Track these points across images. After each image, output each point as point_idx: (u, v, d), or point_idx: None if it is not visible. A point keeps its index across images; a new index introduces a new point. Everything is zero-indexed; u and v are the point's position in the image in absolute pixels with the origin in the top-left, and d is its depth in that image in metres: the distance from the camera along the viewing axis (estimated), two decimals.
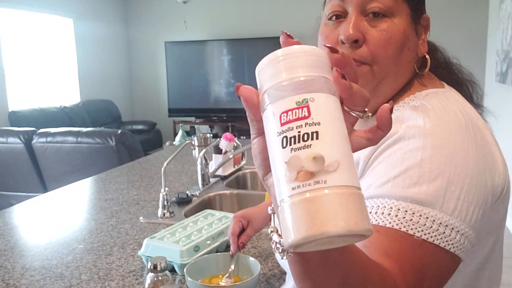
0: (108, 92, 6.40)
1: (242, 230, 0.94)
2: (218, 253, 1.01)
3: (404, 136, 0.54)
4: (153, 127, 6.30)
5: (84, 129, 3.21)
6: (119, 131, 3.15)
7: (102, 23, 6.29)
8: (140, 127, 6.19)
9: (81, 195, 1.67)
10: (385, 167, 0.54)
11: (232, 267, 0.90)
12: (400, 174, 0.52)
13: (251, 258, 0.90)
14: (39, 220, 1.39)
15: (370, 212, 0.53)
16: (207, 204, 1.59)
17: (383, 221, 0.51)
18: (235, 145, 1.90)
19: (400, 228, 0.50)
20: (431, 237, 0.49)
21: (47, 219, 1.41)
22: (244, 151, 2.01)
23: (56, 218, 1.41)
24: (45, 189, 3.34)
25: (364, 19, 0.59)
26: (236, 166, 1.96)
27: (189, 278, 0.84)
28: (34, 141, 3.26)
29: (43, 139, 3.22)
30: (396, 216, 0.50)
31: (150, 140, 6.00)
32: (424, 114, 0.56)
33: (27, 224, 1.36)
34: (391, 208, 0.51)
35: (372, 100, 0.62)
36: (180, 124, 5.26)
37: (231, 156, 1.80)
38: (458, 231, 0.50)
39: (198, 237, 1.04)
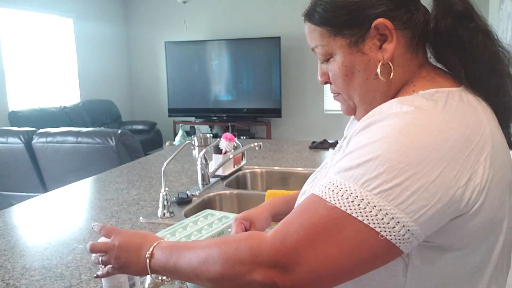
0: (108, 92, 6.40)
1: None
2: None
3: (370, 124, 0.57)
4: (153, 127, 6.30)
5: (84, 129, 3.21)
6: (119, 131, 3.15)
7: (102, 23, 6.29)
8: (140, 127, 6.19)
9: (81, 195, 1.67)
10: (344, 151, 0.58)
11: None
12: (347, 155, 0.56)
13: None
14: (39, 220, 1.39)
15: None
16: (207, 204, 1.59)
17: (318, 191, 0.56)
18: (235, 145, 1.90)
19: (318, 194, 0.55)
20: (344, 205, 0.52)
21: (47, 219, 1.41)
22: (244, 151, 2.01)
23: (56, 218, 1.41)
24: (45, 189, 3.35)
25: (325, 63, 0.71)
26: (236, 166, 1.96)
27: None
28: (34, 141, 3.26)
29: (43, 139, 3.22)
30: (326, 187, 0.55)
31: (150, 140, 6.00)
32: (397, 105, 0.57)
33: (27, 224, 1.36)
34: (329, 182, 0.56)
35: (369, 111, 0.66)
36: (180, 124, 5.27)
37: (231, 156, 1.80)
38: (378, 208, 0.51)
39: (198, 237, 1.04)
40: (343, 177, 0.54)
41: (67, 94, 5.73)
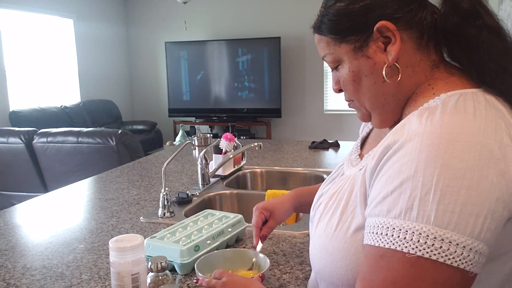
0: (108, 92, 6.41)
1: (264, 222, 0.96)
2: (228, 249, 1.02)
3: (403, 145, 0.54)
4: (154, 127, 6.31)
5: (85, 129, 3.22)
6: (120, 131, 3.16)
7: (102, 23, 6.30)
8: (140, 127, 6.19)
9: (81, 195, 1.68)
10: (385, 181, 0.55)
11: (254, 259, 0.90)
12: (396, 189, 0.52)
13: (261, 255, 0.90)
14: (40, 220, 1.40)
15: (369, 232, 0.54)
16: (207, 204, 1.60)
17: (377, 241, 0.52)
18: (235, 145, 1.90)
19: (390, 247, 0.51)
20: (427, 252, 0.49)
21: (48, 219, 1.41)
22: (244, 151, 2.02)
23: (57, 218, 1.42)
24: (45, 189, 3.35)
25: (335, 71, 0.71)
26: (236, 166, 1.96)
27: (200, 274, 0.84)
28: (34, 141, 3.26)
29: (44, 139, 3.22)
30: (392, 235, 0.51)
31: (150, 140, 6.01)
32: (427, 119, 0.55)
33: (28, 224, 1.36)
34: (388, 228, 0.52)
35: (383, 116, 0.68)
36: (180, 124, 5.27)
37: (231, 156, 1.80)
38: (457, 244, 0.49)
39: (198, 237, 1.04)
40: (408, 218, 0.50)
41: (68, 94, 5.74)
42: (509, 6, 3.37)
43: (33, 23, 5.17)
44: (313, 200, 0.93)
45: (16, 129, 3.41)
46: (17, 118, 4.69)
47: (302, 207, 1.03)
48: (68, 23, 5.70)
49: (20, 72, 5.01)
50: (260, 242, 0.95)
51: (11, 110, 4.78)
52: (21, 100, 4.99)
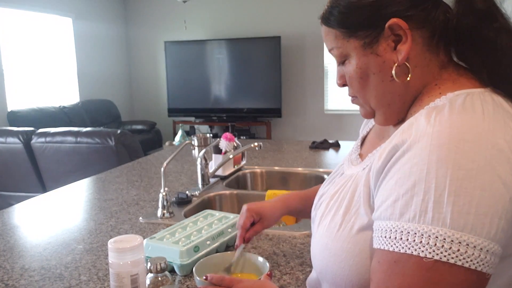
0: (107, 92, 6.39)
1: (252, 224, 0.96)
2: (228, 252, 1.01)
3: (411, 146, 0.53)
4: (153, 127, 6.30)
5: (84, 129, 3.21)
6: (119, 131, 3.15)
7: (102, 22, 6.29)
8: (139, 127, 6.18)
9: (80, 195, 1.67)
10: (395, 183, 0.54)
11: (234, 258, 0.89)
12: (407, 191, 0.51)
13: (260, 258, 0.89)
14: (38, 220, 1.39)
15: (381, 236, 0.53)
16: (207, 204, 1.59)
17: (391, 246, 0.51)
18: (235, 145, 1.90)
19: (405, 251, 0.50)
20: (444, 256, 0.48)
21: (46, 219, 1.40)
22: (244, 151, 2.01)
23: (56, 219, 1.41)
24: (44, 189, 3.34)
25: (341, 65, 0.69)
26: (236, 166, 1.95)
27: (197, 278, 0.83)
28: (33, 141, 3.25)
29: (42, 139, 3.21)
30: (407, 239, 0.50)
31: (149, 140, 6.00)
32: (435, 119, 0.54)
33: (27, 224, 1.35)
34: (402, 232, 0.51)
35: (388, 114, 0.67)
36: (180, 124, 5.27)
37: (231, 156, 1.80)
38: (474, 246, 0.48)
39: (198, 238, 1.04)
40: (423, 222, 0.50)
41: (66, 94, 5.73)
42: (509, 6, 3.36)
43: (31, 22, 5.15)
44: (303, 206, 0.92)
45: (15, 129, 3.40)
46: (15, 118, 4.68)
47: (292, 213, 1.03)
48: (67, 22, 5.69)
49: (18, 72, 4.99)
50: (242, 243, 0.94)
51: (9, 110, 4.77)
52: (19, 100, 4.98)
